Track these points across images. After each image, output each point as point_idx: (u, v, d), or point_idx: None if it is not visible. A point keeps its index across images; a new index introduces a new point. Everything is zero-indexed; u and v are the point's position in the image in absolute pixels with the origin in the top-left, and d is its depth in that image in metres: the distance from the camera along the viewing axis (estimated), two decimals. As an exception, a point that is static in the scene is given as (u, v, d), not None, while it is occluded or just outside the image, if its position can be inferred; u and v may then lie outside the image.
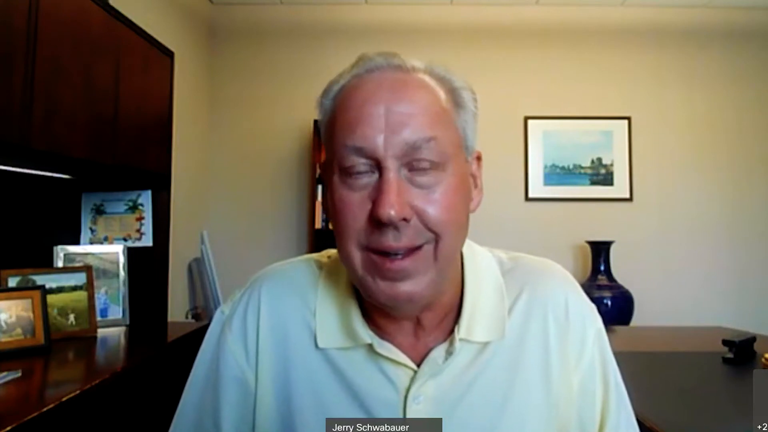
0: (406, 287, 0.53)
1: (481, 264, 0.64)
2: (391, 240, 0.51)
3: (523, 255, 0.68)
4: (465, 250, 0.63)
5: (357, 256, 0.54)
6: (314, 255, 0.70)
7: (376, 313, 0.60)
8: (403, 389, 0.58)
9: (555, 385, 0.60)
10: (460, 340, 0.59)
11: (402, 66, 0.55)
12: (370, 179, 0.52)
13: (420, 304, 0.55)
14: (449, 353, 0.58)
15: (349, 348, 0.60)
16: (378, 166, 0.52)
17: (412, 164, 0.52)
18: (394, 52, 0.56)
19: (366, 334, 0.59)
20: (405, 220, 0.51)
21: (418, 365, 0.59)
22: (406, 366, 0.59)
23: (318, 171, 3.26)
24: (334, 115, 0.56)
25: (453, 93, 0.57)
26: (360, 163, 0.52)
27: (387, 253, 0.52)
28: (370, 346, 0.59)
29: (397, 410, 0.57)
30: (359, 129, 0.52)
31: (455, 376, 0.59)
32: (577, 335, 0.62)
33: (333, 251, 0.68)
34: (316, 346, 0.61)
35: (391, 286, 0.53)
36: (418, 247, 0.52)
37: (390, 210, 0.49)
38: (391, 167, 0.51)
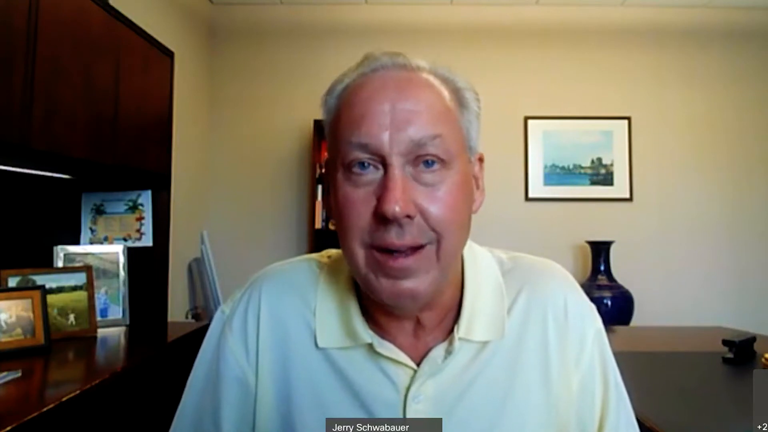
0: (408, 284, 0.53)
1: (481, 264, 0.64)
2: (394, 237, 0.51)
3: (523, 255, 0.68)
4: (465, 250, 0.63)
5: (360, 254, 0.54)
6: (314, 255, 0.70)
7: (377, 311, 0.60)
8: (403, 388, 0.58)
9: (555, 385, 0.60)
10: (460, 339, 0.59)
11: (407, 65, 0.56)
12: (374, 176, 0.53)
13: (422, 302, 0.55)
14: (448, 352, 0.58)
15: (349, 347, 0.60)
16: (383, 162, 0.52)
17: (416, 161, 0.52)
18: (399, 52, 0.57)
19: (366, 334, 0.59)
20: (409, 217, 0.51)
21: (418, 364, 0.59)
22: (406, 365, 0.59)
23: (318, 171, 3.26)
24: (339, 113, 0.56)
25: (457, 93, 0.58)
26: (365, 159, 0.52)
27: (390, 251, 0.52)
28: (370, 346, 0.59)
29: (397, 409, 0.58)
30: (364, 126, 0.52)
31: (455, 376, 0.59)
32: (577, 335, 0.62)
33: (333, 251, 0.68)
34: (316, 345, 0.61)
35: (394, 283, 0.53)
36: (421, 247, 0.53)
37: (395, 206, 0.50)
38: (396, 164, 0.51)
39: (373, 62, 0.56)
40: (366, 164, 0.52)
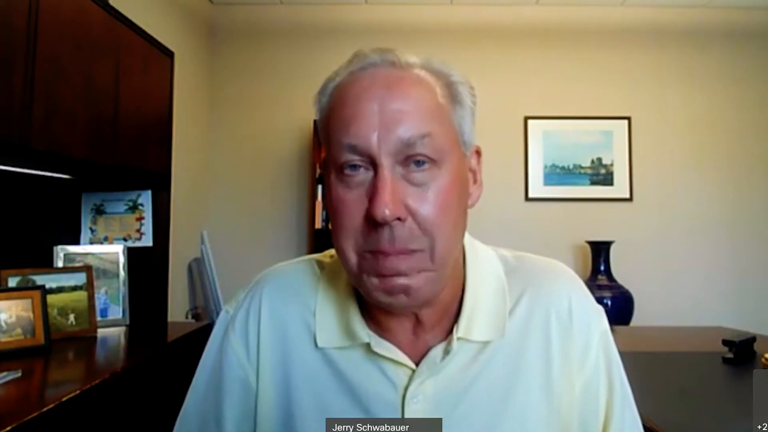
0: (401, 281, 0.52)
1: (484, 263, 0.64)
2: (386, 241, 0.51)
3: (529, 255, 0.67)
4: (468, 248, 0.63)
5: (353, 255, 0.54)
6: (316, 255, 0.69)
7: (376, 309, 0.59)
8: (401, 388, 0.58)
9: (556, 387, 0.60)
10: (459, 339, 0.58)
11: (396, 62, 0.55)
12: (365, 177, 0.52)
13: (417, 298, 0.54)
14: (446, 352, 0.58)
15: (347, 347, 0.60)
16: (373, 163, 0.52)
17: (406, 161, 0.52)
18: (390, 48, 0.56)
19: (364, 333, 0.59)
20: (399, 219, 0.51)
21: (417, 364, 0.58)
22: (404, 365, 0.58)
23: (318, 171, 3.26)
24: (330, 113, 0.56)
25: (449, 87, 0.57)
26: (355, 160, 0.52)
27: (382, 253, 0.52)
28: (369, 345, 0.59)
29: (396, 409, 0.57)
30: (353, 126, 0.52)
31: (454, 376, 0.58)
32: (582, 337, 0.61)
33: (335, 251, 0.68)
34: (316, 345, 0.61)
35: (385, 280, 0.52)
36: (413, 252, 0.52)
37: (385, 209, 0.49)
38: (386, 164, 0.51)
39: (363, 60, 0.55)
40: (357, 165, 0.52)
